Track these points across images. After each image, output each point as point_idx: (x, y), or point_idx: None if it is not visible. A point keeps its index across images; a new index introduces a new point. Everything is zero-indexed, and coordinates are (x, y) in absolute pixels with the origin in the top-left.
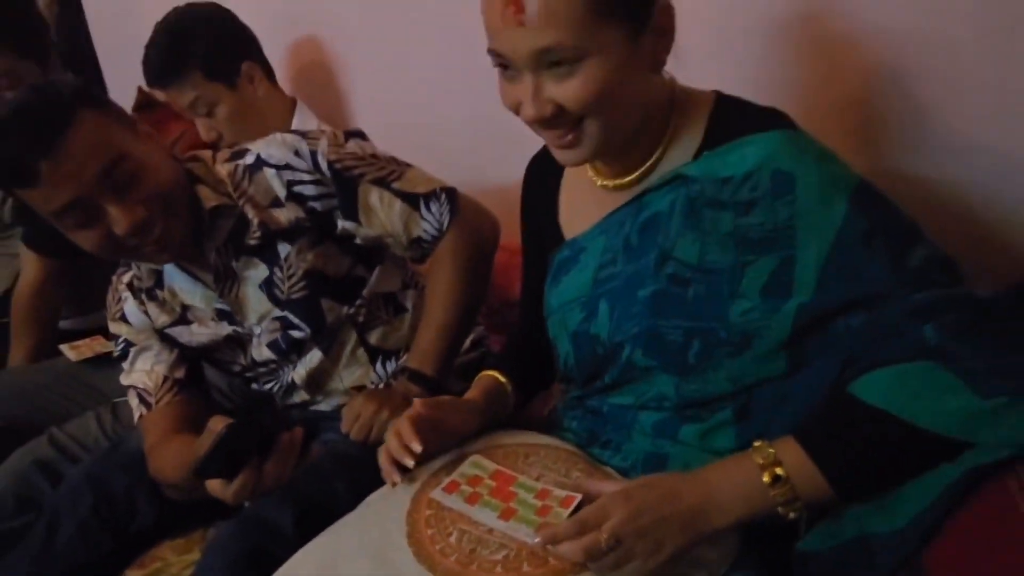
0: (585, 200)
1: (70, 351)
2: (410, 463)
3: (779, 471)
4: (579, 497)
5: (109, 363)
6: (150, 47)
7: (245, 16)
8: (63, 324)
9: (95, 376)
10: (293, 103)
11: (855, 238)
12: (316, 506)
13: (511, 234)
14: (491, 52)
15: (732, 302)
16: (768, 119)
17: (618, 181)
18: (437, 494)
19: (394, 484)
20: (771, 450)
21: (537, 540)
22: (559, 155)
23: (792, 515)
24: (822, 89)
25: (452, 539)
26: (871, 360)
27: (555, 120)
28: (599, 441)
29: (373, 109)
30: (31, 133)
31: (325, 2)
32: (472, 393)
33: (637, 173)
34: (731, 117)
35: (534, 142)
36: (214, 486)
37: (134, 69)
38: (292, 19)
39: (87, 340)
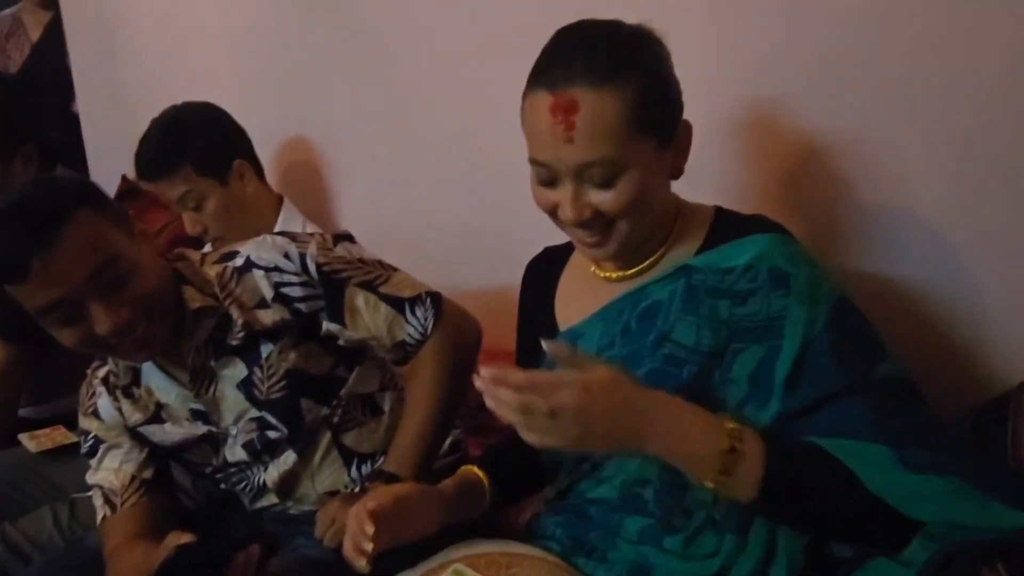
0: (583, 291)
1: (29, 441)
2: (368, 546)
3: (738, 446)
4: None
5: (69, 456)
6: (145, 141)
7: (238, 115)
8: (22, 412)
9: (54, 469)
10: (280, 200)
11: (827, 345)
12: None
13: (492, 338)
14: (534, 162)
15: (724, 387)
16: (765, 224)
17: (620, 273)
18: None
19: (361, 570)
20: (739, 427)
21: (484, 373)
22: (587, 251)
23: (709, 485)
24: (776, 190)
25: None
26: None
27: (591, 222)
28: (584, 549)
29: (359, 210)
30: (26, 228)
31: (317, 104)
32: (445, 483)
33: (639, 267)
34: (729, 223)
35: (518, 249)
36: None
37: (119, 157)
38: (283, 119)
39: (47, 430)
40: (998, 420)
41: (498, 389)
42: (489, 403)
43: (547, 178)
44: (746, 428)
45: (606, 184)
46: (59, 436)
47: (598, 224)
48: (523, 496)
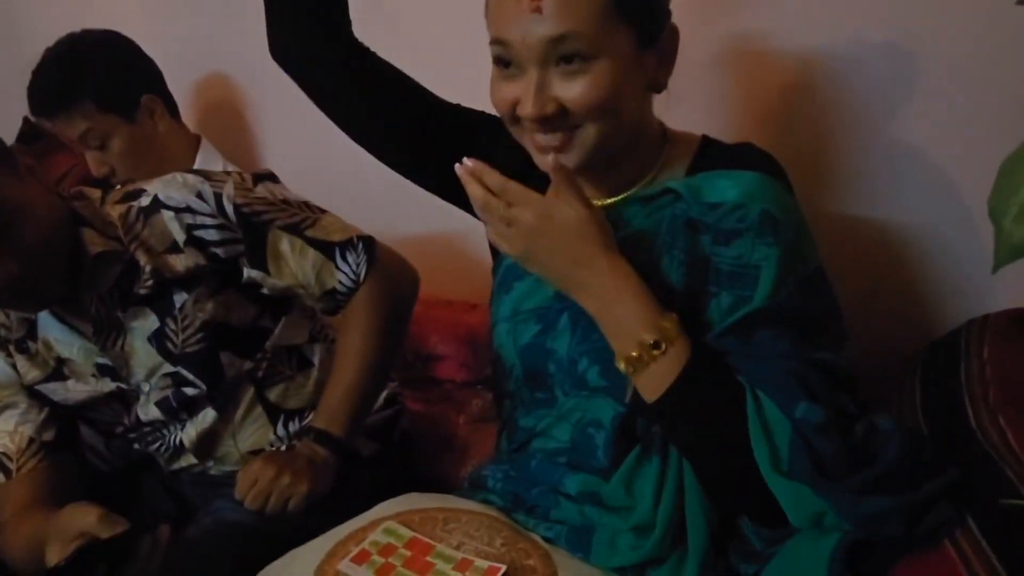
0: None
1: None
2: None
3: (664, 346)
4: (503, 568)
5: None
6: (38, 73)
7: (147, 49)
8: None
9: None
10: (197, 140)
11: (784, 314)
12: None
13: (430, 285)
14: (496, 43)
15: (701, 333)
16: (755, 155)
17: (601, 201)
18: (344, 566)
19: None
20: (674, 330)
21: (467, 161)
22: (543, 160)
23: (621, 366)
24: (762, 123)
25: None
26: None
27: (553, 121)
28: (525, 506)
29: (283, 151)
30: None
31: (233, 37)
32: None
33: (622, 196)
34: (717, 151)
35: None
36: None
37: (18, 96)
38: (198, 53)
39: None
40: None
41: (472, 182)
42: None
43: (507, 62)
44: (681, 336)
45: (574, 74)
46: None
47: (561, 124)
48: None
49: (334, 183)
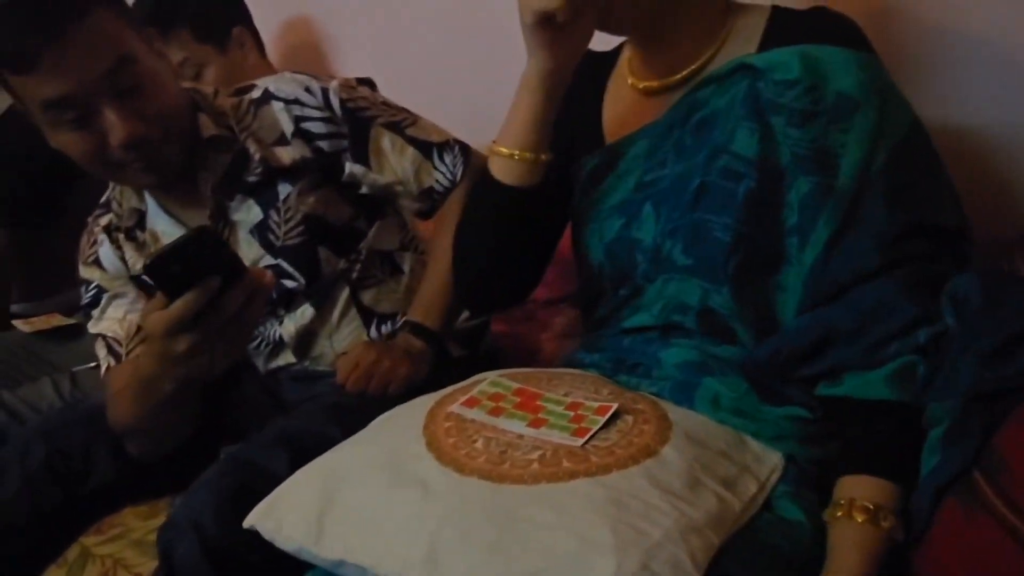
0: (630, 102)
1: (23, 325)
2: None
3: (868, 505)
4: (615, 406)
5: (66, 337)
6: (138, 4)
7: None
8: (14, 308)
9: (50, 350)
10: None
11: (881, 190)
12: (310, 451)
13: None
14: None
15: (778, 208)
16: (838, 27)
17: (664, 81)
18: (457, 408)
19: None
20: (843, 501)
21: None
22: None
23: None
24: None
25: (478, 444)
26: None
27: None
28: (626, 366)
29: None
30: (41, 17)
31: None
32: None
33: (686, 72)
34: (790, 20)
35: None
36: (154, 310)
37: None
38: None
39: (43, 316)
40: None
41: None
42: None
43: None
44: (840, 490)
45: None
46: (55, 320)
47: None
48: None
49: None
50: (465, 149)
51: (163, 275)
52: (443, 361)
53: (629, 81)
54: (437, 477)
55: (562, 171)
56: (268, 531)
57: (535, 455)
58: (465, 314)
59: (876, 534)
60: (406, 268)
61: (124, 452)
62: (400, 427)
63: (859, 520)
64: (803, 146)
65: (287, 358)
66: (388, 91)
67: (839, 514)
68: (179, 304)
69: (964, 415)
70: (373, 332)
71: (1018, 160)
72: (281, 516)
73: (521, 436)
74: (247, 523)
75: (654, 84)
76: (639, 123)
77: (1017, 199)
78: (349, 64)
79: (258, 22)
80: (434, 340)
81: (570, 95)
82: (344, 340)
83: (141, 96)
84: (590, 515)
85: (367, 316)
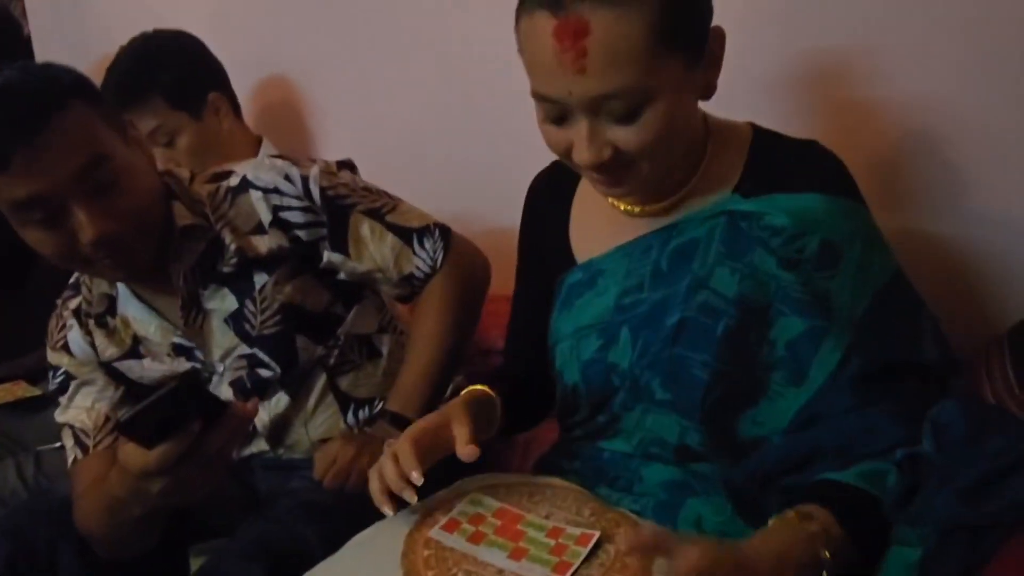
0: (601, 221)
1: None
2: (412, 498)
3: (806, 511)
4: (597, 534)
5: (30, 411)
6: (113, 70)
7: (212, 50)
8: None
9: (15, 424)
10: (258, 141)
11: (863, 333)
12: (287, 559)
13: (494, 281)
14: (539, 97)
15: (759, 347)
16: (825, 170)
17: (646, 208)
18: (436, 533)
19: (389, 513)
20: (815, 527)
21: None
22: (601, 190)
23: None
24: (846, 148)
25: None
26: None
27: (610, 163)
28: (607, 479)
29: (343, 150)
30: (13, 115)
31: (295, 39)
32: (455, 403)
33: (668, 202)
34: (773, 150)
35: (519, 183)
36: (131, 454)
37: None
38: (261, 56)
39: (8, 384)
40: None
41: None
42: None
43: (556, 115)
44: (819, 519)
45: (627, 118)
46: (19, 390)
47: (617, 165)
48: (526, 426)
49: (395, 178)
50: (445, 233)
51: (139, 432)
52: None
53: (616, 205)
54: None
55: (542, 290)
56: None
57: None
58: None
59: (802, 529)
60: (384, 351)
61: (91, 551)
62: (378, 553)
63: (789, 516)
64: (796, 289)
65: (260, 446)
66: (362, 146)
67: (771, 520)
68: (158, 454)
69: (941, 547)
70: (350, 418)
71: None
72: None
73: (501, 572)
74: None
75: (635, 209)
76: (615, 240)
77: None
78: (326, 123)
79: (234, 80)
80: None
81: (535, 211)
82: (320, 427)
83: (114, 193)
84: None
85: (344, 402)
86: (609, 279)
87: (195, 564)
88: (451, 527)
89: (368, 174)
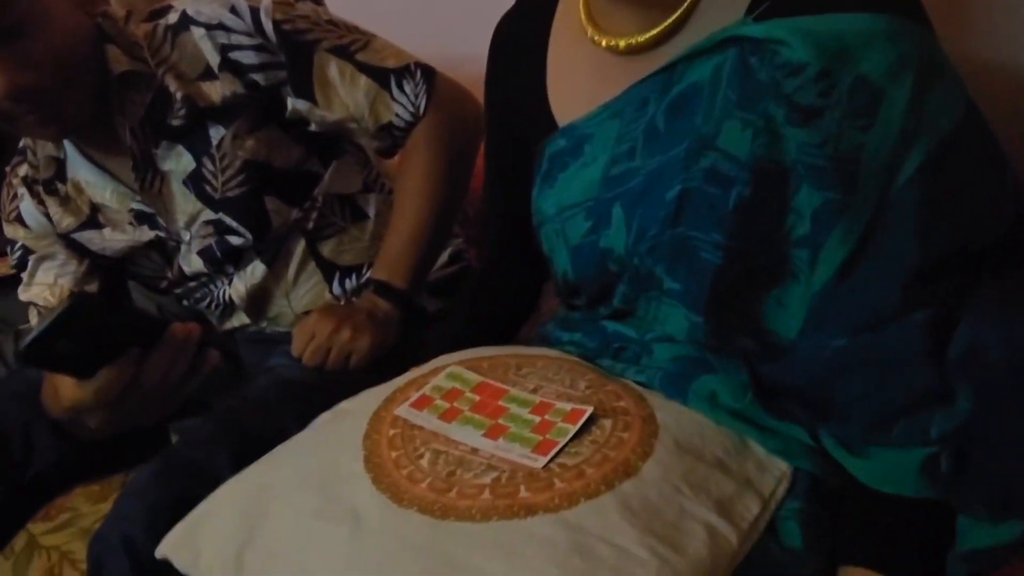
0: (584, 68)
1: None
2: None
3: None
4: (589, 410)
5: (11, 287)
6: None
7: None
8: None
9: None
10: None
11: (911, 206)
12: (259, 445)
13: None
14: None
15: (783, 219)
16: None
17: (631, 40)
18: (403, 411)
19: None
20: None
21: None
22: None
23: None
24: None
25: (424, 462)
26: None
27: None
28: (610, 351)
29: None
30: None
31: None
32: None
33: (659, 29)
34: None
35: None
36: (63, 386)
37: None
38: None
39: None
40: None
41: None
42: None
43: None
44: None
45: None
46: (2, 267)
47: None
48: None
49: (375, 7)
50: (429, 73)
51: (48, 358)
52: (417, 321)
53: (597, 41)
54: (371, 508)
55: (519, 162)
56: (184, 564)
57: (488, 478)
58: (442, 260)
59: None
60: (371, 212)
61: (68, 433)
62: (342, 433)
63: None
64: (811, 152)
65: (240, 319)
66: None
67: None
68: (94, 387)
69: None
70: (336, 288)
71: None
72: (199, 546)
73: (475, 450)
74: (159, 552)
75: (619, 44)
76: (602, 94)
77: None
78: None
79: None
80: (402, 300)
81: (504, 62)
82: (304, 298)
83: (25, 42)
84: (549, 568)
85: (328, 270)
86: (597, 145)
87: (175, 440)
88: (422, 404)
89: (336, 7)
